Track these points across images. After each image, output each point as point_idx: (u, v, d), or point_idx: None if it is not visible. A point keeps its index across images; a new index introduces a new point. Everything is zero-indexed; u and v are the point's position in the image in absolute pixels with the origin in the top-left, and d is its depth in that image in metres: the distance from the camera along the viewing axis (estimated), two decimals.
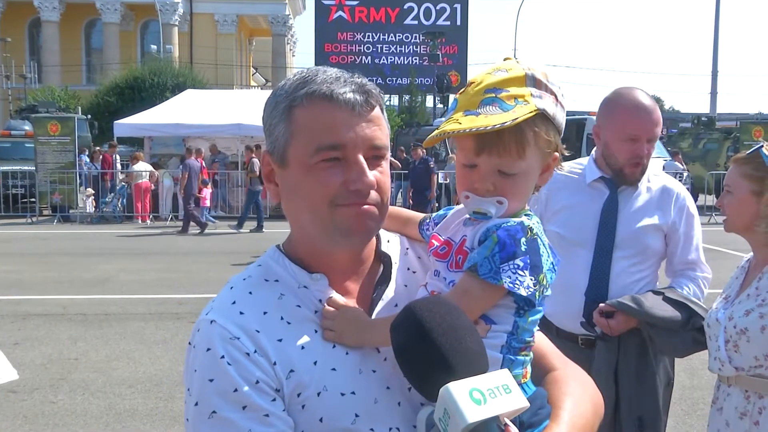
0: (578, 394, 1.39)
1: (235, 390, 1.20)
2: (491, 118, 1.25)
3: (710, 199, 23.22)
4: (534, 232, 1.29)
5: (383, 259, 1.44)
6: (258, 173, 17.23)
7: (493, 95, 1.28)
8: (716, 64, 37.25)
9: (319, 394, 1.24)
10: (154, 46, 47.15)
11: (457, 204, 1.46)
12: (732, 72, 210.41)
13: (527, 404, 1.10)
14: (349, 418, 1.24)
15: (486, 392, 1.05)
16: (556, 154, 1.37)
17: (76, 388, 6.09)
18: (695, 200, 17.02)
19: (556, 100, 1.33)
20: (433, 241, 1.40)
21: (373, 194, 1.31)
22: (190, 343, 1.29)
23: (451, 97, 1.48)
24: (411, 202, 17.39)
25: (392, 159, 17.47)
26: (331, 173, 1.28)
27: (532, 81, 1.31)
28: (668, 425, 5.32)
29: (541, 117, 1.30)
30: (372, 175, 1.29)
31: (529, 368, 1.35)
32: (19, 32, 53.19)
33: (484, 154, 1.28)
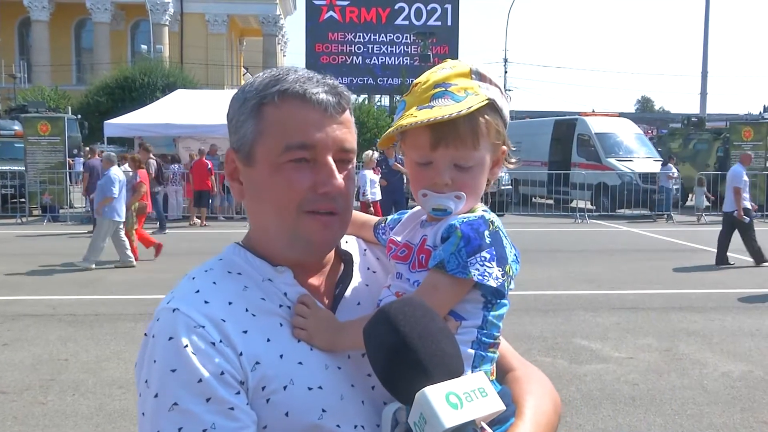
0: (539, 392, 1.40)
1: (200, 381, 1.15)
2: (446, 109, 1.25)
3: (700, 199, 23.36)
4: (495, 224, 1.29)
5: (344, 257, 1.44)
6: (155, 174, 17.37)
7: (443, 89, 1.29)
8: (706, 65, 37.41)
9: (285, 387, 1.21)
10: (144, 46, 47.00)
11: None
12: (722, 73, 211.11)
13: (503, 407, 1.10)
14: (315, 413, 1.21)
15: (462, 396, 1.05)
16: (504, 147, 1.37)
17: (66, 389, 6.06)
18: (685, 201, 17.18)
19: (502, 93, 1.34)
20: (391, 244, 1.40)
21: (341, 198, 1.31)
22: (146, 334, 1.24)
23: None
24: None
25: (398, 165, 17.23)
26: (300, 174, 1.27)
27: (478, 75, 1.32)
28: (658, 424, 5.36)
29: (491, 107, 1.30)
30: (340, 178, 1.29)
31: (494, 367, 1.36)
32: (9, 32, 52.98)
33: (441, 148, 1.28)
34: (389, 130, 1.31)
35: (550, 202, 25.20)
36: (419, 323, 1.09)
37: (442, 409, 1.02)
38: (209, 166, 19.05)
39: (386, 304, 1.15)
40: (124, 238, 12.52)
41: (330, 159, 1.28)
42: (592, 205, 22.89)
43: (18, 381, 6.28)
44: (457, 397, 1.04)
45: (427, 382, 1.05)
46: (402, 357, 1.07)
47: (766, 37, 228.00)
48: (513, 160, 1.43)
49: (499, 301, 1.31)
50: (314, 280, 1.38)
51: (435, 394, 1.03)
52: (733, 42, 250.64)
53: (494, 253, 1.26)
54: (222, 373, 1.17)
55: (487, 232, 1.27)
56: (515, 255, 1.32)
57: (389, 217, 1.51)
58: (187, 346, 1.17)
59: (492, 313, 1.30)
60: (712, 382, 6.23)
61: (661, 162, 22.85)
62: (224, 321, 1.21)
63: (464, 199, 1.30)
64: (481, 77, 1.32)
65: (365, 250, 1.51)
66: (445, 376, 1.06)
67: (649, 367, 6.73)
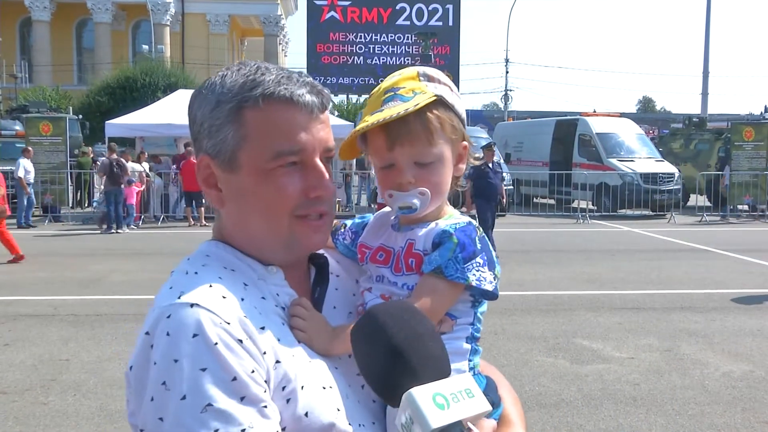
0: (502, 380, 1.47)
1: (234, 379, 1.11)
2: (394, 109, 1.30)
3: (702, 200, 23.37)
4: (481, 230, 1.36)
5: (316, 261, 1.43)
6: (107, 173, 17.58)
7: (392, 93, 1.34)
8: (707, 65, 37.40)
9: (303, 387, 1.19)
10: (145, 46, 47.02)
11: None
12: (723, 73, 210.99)
13: (490, 408, 1.11)
14: (332, 412, 1.21)
15: (449, 397, 1.05)
16: (465, 143, 1.40)
17: (67, 389, 6.06)
18: (686, 201, 17.22)
19: (452, 90, 1.38)
20: (364, 249, 1.43)
21: (331, 198, 1.33)
22: (148, 333, 1.17)
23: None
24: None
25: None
26: (290, 179, 1.26)
27: (425, 77, 1.37)
28: (659, 425, 5.36)
29: (441, 103, 1.34)
30: (330, 179, 1.31)
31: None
32: (10, 32, 53.00)
33: (397, 147, 1.32)
34: (346, 138, 1.36)
35: (552, 202, 25.19)
36: (406, 325, 1.11)
37: (429, 410, 1.03)
38: None
39: (373, 307, 1.16)
40: None
41: (319, 162, 1.28)
42: (593, 205, 22.89)
43: (19, 381, 6.28)
44: (444, 398, 1.05)
45: (414, 383, 1.06)
46: (389, 358, 1.08)
47: (767, 38, 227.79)
48: (477, 155, 1.47)
49: (483, 299, 1.38)
50: (295, 282, 1.36)
51: (422, 394, 1.04)
52: (735, 42, 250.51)
53: (485, 258, 1.33)
54: (252, 371, 1.14)
55: (477, 238, 1.33)
56: (495, 256, 1.38)
57: (349, 222, 1.53)
58: (217, 343, 1.12)
59: (479, 310, 1.38)
60: (714, 382, 6.22)
61: (659, 161, 22.82)
62: (245, 317, 1.18)
63: (428, 196, 1.33)
64: (429, 78, 1.37)
65: (324, 255, 1.50)
66: (432, 377, 1.07)
67: (650, 367, 6.72)
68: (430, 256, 1.31)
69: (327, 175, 1.29)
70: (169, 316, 1.15)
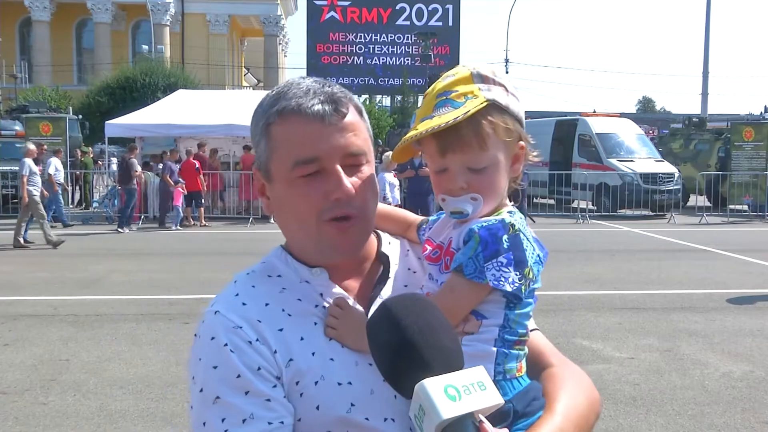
0: (573, 388, 1.39)
1: (238, 376, 1.25)
2: (444, 117, 1.30)
3: (701, 200, 23.37)
4: (516, 228, 1.32)
5: (383, 259, 1.48)
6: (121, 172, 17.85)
7: (444, 98, 1.34)
8: (707, 65, 37.41)
9: (316, 383, 1.28)
10: (145, 46, 47.00)
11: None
12: (723, 73, 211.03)
13: (502, 401, 1.12)
14: (344, 407, 1.27)
15: (461, 389, 1.07)
16: (522, 143, 1.39)
17: (67, 390, 6.06)
18: (686, 201, 17.17)
19: (507, 90, 1.37)
20: (427, 245, 1.44)
21: (355, 201, 1.35)
22: (195, 335, 1.35)
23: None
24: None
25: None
26: (312, 187, 1.33)
27: (479, 78, 1.36)
28: (659, 425, 5.36)
29: (495, 107, 1.34)
30: (350, 182, 1.34)
31: (524, 363, 1.38)
32: (10, 32, 53.02)
33: (449, 154, 1.32)
34: (398, 144, 1.40)
35: (552, 202, 25.18)
36: (420, 318, 1.13)
37: (440, 401, 1.04)
38: (197, 166, 19.04)
39: (388, 299, 1.20)
40: None
41: (337, 167, 1.33)
42: (593, 205, 22.89)
43: (19, 381, 6.28)
44: (456, 390, 1.06)
45: (427, 375, 1.07)
46: (402, 350, 1.11)
47: (767, 38, 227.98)
48: (535, 153, 1.44)
49: (520, 302, 1.34)
50: (351, 281, 1.43)
51: (433, 386, 1.06)
52: (735, 42, 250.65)
53: (511, 257, 1.29)
54: (259, 369, 1.26)
55: (505, 237, 1.30)
56: (539, 256, 1.35)
57: (431, 218, 1.53)
58: (226, 344, 1.27)
59: (515, 311, 1.34)
60: (713, 383, 6.22)
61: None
62: (260, 321, 1.31)
63: (481, 201, 1.33)
64: (483, 79, 1.36)
65: (408, 250, 1.54)
66: (444, 370, 1.09)
67: (650, 367, 6.73)
68: (456, 254, 1.33)
69: (345, 179, 1.33)
70: (203, 322, 1.34)
